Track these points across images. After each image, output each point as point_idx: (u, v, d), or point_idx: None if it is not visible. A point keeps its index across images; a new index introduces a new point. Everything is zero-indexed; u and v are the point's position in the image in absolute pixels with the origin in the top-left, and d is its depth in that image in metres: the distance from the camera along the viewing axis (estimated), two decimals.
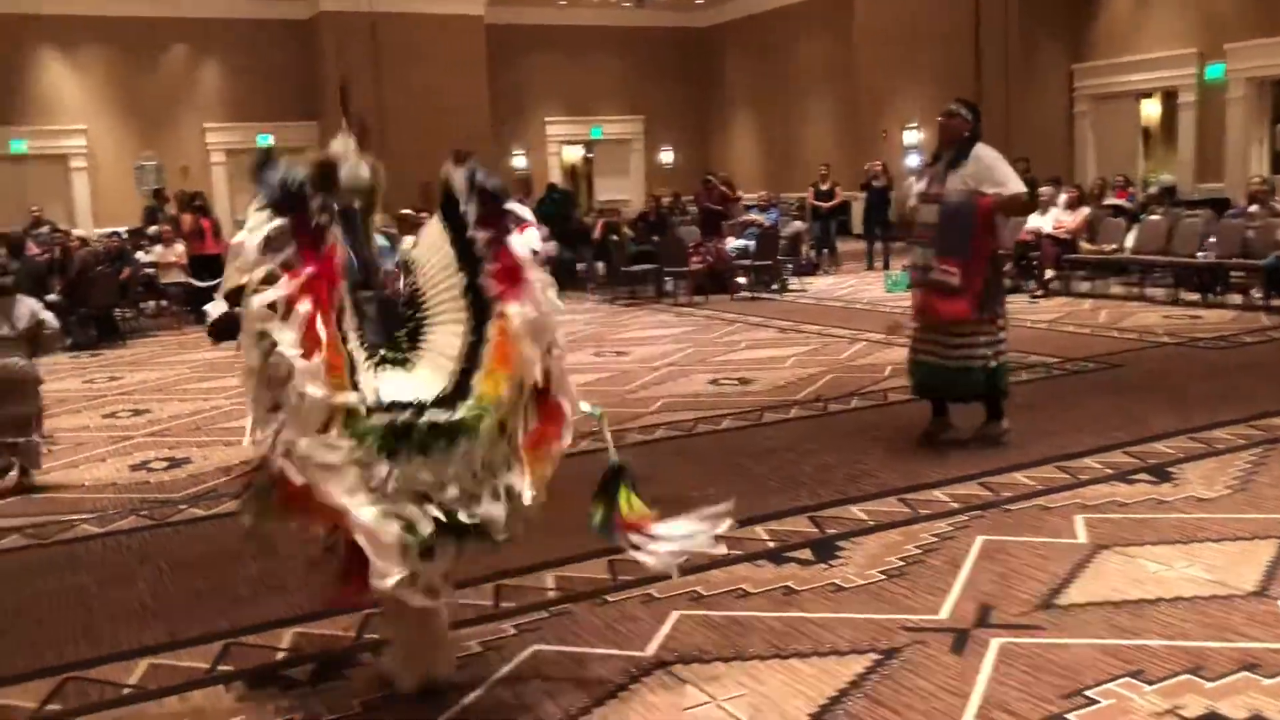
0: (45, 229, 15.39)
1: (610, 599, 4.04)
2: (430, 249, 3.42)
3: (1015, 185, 5.81)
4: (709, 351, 9.64)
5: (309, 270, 2.99)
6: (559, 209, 15.63)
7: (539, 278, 3.23)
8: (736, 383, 8.17)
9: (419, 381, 3.12)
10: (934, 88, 17.43)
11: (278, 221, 3.04)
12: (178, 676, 3.57)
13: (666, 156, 25.79)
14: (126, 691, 3.48)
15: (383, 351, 3.18)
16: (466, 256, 3.28)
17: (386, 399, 3.00)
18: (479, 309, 3.19)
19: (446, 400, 3.05)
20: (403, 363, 3.20)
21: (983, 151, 5.78)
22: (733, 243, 14.29)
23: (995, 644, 3.50)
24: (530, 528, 3.25)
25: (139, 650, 3.79)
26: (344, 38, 21.18)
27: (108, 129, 21.08)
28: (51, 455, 6.59)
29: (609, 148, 26.47)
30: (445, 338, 3.23)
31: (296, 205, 3.08)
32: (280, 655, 3.71)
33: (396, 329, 3.30)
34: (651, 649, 3.60)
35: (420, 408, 3.01)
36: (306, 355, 2.89)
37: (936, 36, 18.47)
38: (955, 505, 4.95)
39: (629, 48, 25.42)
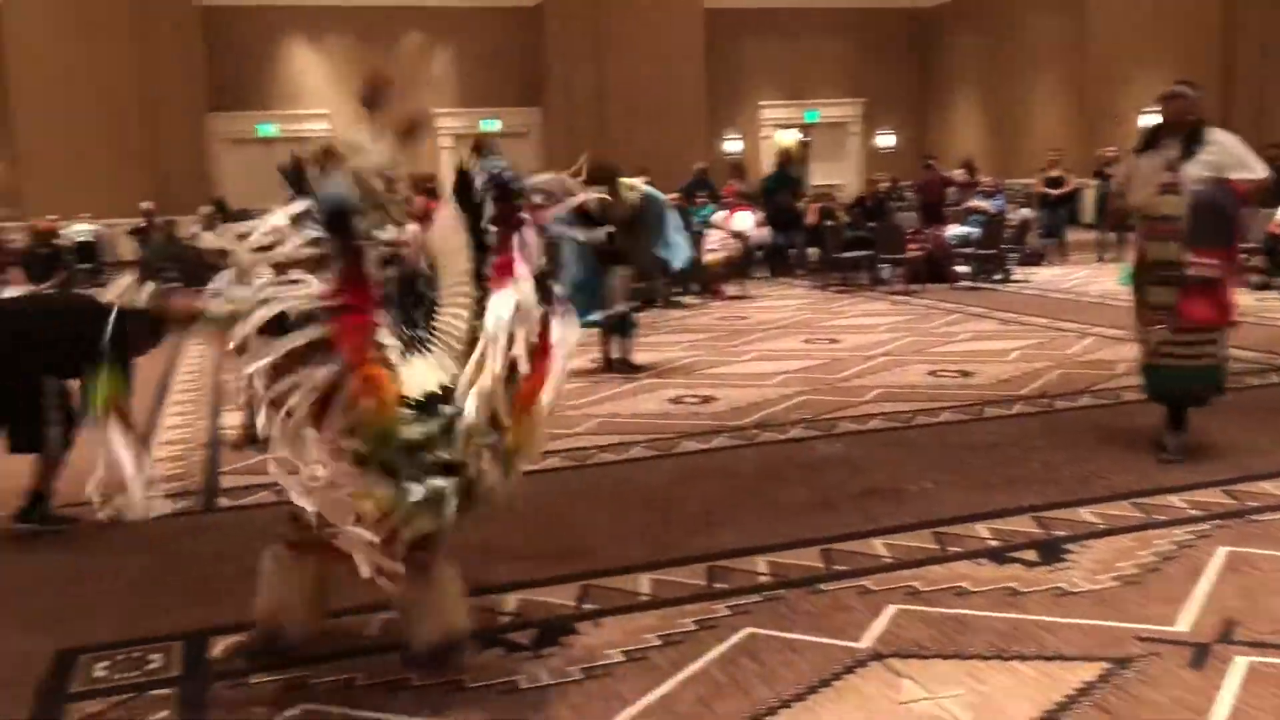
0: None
1: (824, 588, 4.01)
2: (447, 232, 3.49)
3: (1261, 169, 5.42)
4: (926, 341, 9.40)
5: (351, 303, 3.12)
6: (777, 189, 15.57)
7: (525, 273, 3.31)
8: (957, 375, 7.93)
9: (437, 368, 3.26)
10: (1175, 68, 16.34)
11: (317, 235, 3.19)
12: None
13: (885, 140, 25.23)
14: (364, 643, 3.70)
15: (408, 333, 3.33)
16: (479, 244, 3.39)
17: (416, 393, 3.16)
18: (483, 296, 3.33)
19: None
20: (423, 345, 3.32)
21: (1221, 136, 5.40)
22: (953, 230, 13.86)
23: (1241, 662, 3.28)
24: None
25: (374, 605, 4.02)
26: (567, 23, 21.73)
27: (348, 114, 22.30)
28: None
29: (825, 131, 26.10)
30: (453, 321, 3.35)
31: (346, 227, 3.20)
32: (504, 619, 3.86)
33: (415, 307, 3.42)
34: (867, 641, 3.56)
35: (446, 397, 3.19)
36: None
37: (1179, 13, 17.30)
38: (1195, 513, 4.66)
39: (849, 30, 24.99)
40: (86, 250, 16.71)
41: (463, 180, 3.47)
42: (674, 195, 14.15)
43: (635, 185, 8.43)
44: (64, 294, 6.42)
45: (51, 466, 4.99)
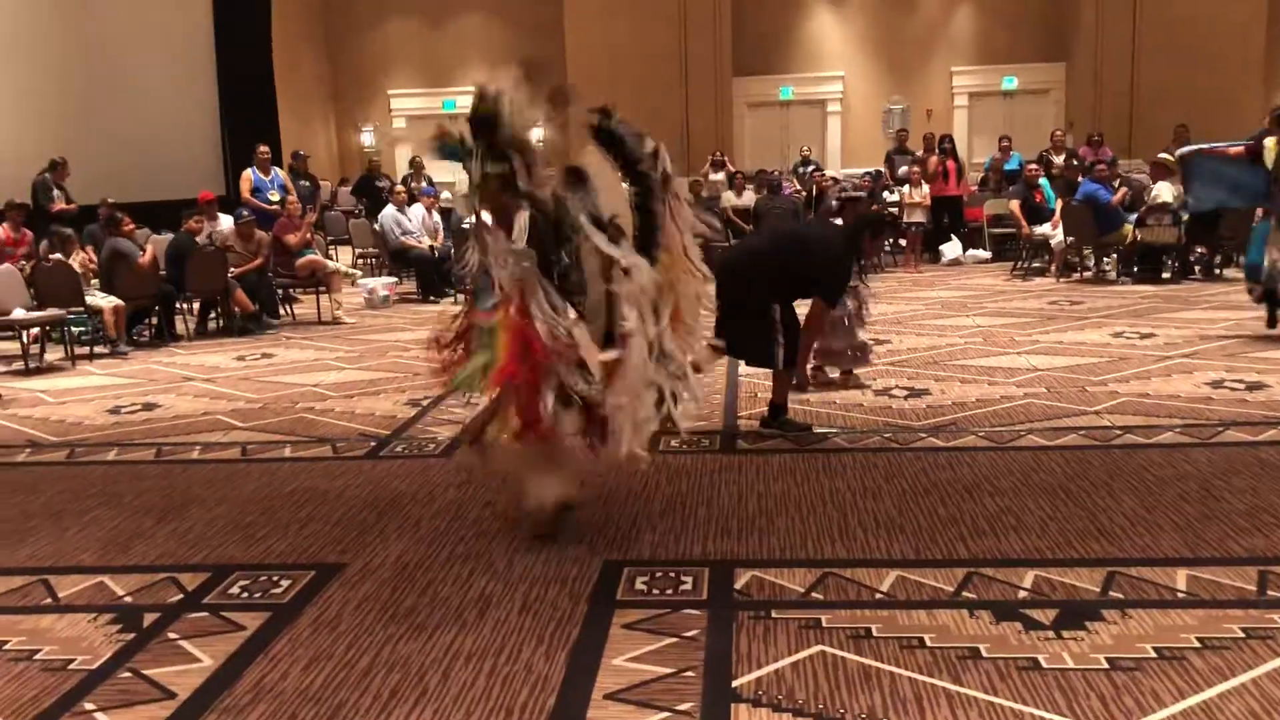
0: (810, 168, 17.01)
1: None
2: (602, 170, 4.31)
3: None
4: None
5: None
6: None
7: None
8: (1241, 386, 6.64)
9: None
10: None
11: None
12: (923, 593, 3.78)
13: None
14: (878, 596, 3.77)
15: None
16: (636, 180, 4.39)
17: None
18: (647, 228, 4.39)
19: None
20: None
21: None
22: None
23: None
24: None
25: (888, 560, 4.08)
26: None
27: (862, 74, 22.48)
28: None
29: None
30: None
31: None
32: (1022, 594, 3.74)
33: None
34: None
35: None
36: None
37: None
38: None
39: None
40: None
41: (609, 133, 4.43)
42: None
43: None
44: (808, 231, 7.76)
45: (781, 380, 6.06)
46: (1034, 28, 21.56)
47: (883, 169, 16.24)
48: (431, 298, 12.50)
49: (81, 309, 9.36)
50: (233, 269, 10.59)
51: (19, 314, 8.93)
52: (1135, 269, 11.82)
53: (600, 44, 20.93)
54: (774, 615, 3.61)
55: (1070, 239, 12.19)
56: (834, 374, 7.24)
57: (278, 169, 13.55)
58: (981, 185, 15.46)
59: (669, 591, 3.87)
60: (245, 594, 4.00)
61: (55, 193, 12.04)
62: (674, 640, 3.44)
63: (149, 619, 3.78)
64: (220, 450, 6.12)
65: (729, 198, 14.25)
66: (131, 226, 10.34)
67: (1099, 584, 3.78)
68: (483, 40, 23.10)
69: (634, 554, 4.24)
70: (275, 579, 4.11)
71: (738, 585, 3.89)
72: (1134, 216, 11.89)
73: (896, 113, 21.78)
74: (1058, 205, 12.70)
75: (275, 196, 12.86)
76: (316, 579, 4.09)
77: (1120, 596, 3.68)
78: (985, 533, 4.33)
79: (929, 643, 3.38)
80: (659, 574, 4.02)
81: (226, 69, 15.08)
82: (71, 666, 3.45)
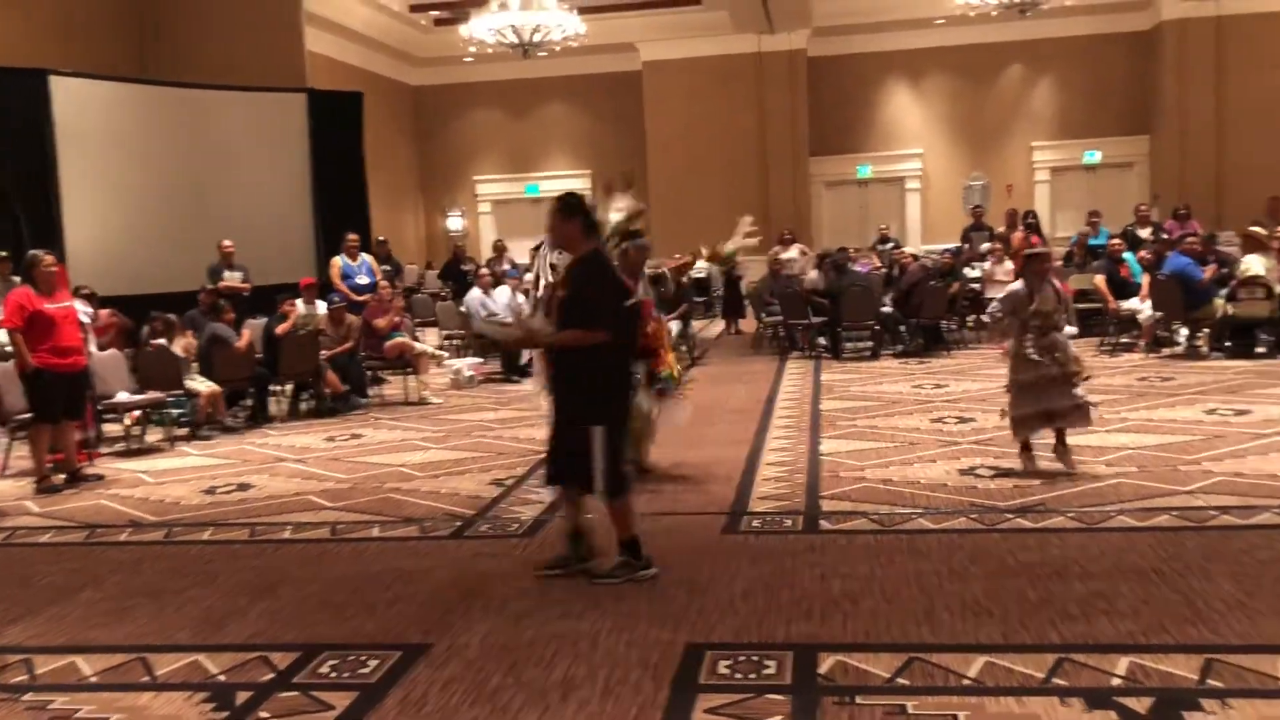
0: (890, 245, 17.04)
1: None
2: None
3: None
4: None
5: None
6: None
7: None
8: None
9: None
10: None
11: None
12: (1012, 679, 3.70)
13: None
14: (966, 682, 3.70)
15: None
16: None
17: None
18: None
19: None
20: None
21: None
22: None
23: None
24: None
25: (976, 645, 4.01)
26: (1184, 43, 20.04)
27: (941, 151, 22.51)
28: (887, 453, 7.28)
29: None
30: None
31: None
32: (1115, 681, 3.64)
33: None
34: None
35: None
36: None
37: None
38: None
39: None
40: (701, 284, 18.53)
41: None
42: None
43: None
44: None
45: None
46: (1115, 101, 21.44)
47: (963, 245, 16.18)
48: (515, 377, 12.68)
49: (181, 392, 9.71)
50: (324, 352, 10.90)
51: (122, 397, 9.30)
52: (1228, 344, 11.54)
53: (679, 130, 21.40)
54: (859, 701, 3.57)
55: (1159, 314, 11.97)
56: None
57: (366, 255, 13.98)
58: (1066, 260, 15.28)
59: (752, 676, 3.85)
60: (334, 673, 4.07)
61: (228, 273, 12.72)
62: None
63: (241, 697, 3.87)
64: (311, 530, 6.27)
65: (813, 278, 14.28)
66: (232, 316, 10.74)
67: (1196, 672, 3.68)
68: (564, 128, 23.72)
69: (717, 637, 4.24)
70: (363, 659, 4.18)
71: (822, 670, 3.86)
72: (1225, 290, 11.64)
73: (976, 189, 21.71)
74: (1144, 279, 12.49)
75: (364, 281, 13.26)
76: (403, 659, 4.16)
77: (1220, 685, 3.57)
78: (1076, 617, 4.24)
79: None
80: (742, 658, 4.00)
81: (320, 159, 15.67)
82: None
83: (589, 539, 5.16)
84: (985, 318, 7.16)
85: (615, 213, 6.62)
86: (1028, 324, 6.61)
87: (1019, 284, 6.76)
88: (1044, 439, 6.75)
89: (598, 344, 4.84)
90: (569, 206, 5.03)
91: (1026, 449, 6.78)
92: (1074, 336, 6.82)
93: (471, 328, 13.44)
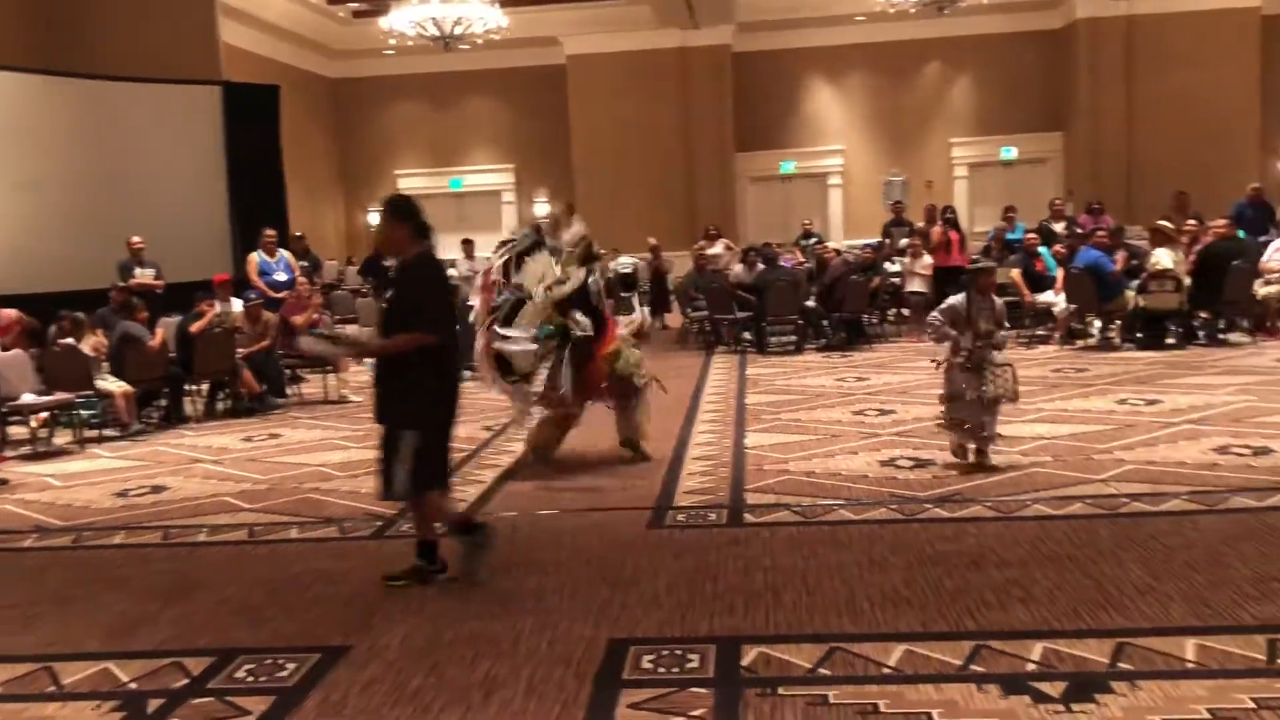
0: (813, 240, 17.19)
1: None
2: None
3: None
4: None
5: None
6: None
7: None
8: (1248, 451, 6.63)
9: None
10: None
11: None
12: (931, 667, 3.75)
13: None
14: (886, 671, 3.74)
15: None
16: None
17: None
18: None
19: None
20: None
21: None
22: None
23: None
24: None
25: (895, 634, 4.06)
26: (1097, 41, 20.54)
27: (863, 147, 22.80)
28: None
29: None
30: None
31: None
32: (1030, 666, 3.71)
33: None
34: None
35: None
36: None
37: None
38: None
39: None
40: (628, 280, 18.47)
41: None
42: (1221, 221, 12.83)
43: None
44: None
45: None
46: (1031, 98, 21.90)
47: (884, 240, 16.40)
48: None
49: (91, 393, 9.42)
50: (240, 350, 10.67)
51: (28, 398, 9.00)
52: (1139, 335, 11.86)
53: (604, 124, 21.35)
54: (781, 692, 3.59)
55: (1073, 306, 12.26)
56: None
57: (284, 251, 13.72)
58: (984, 254, 15.55)
59: (675, 670, 3.85)
60: (251, 678, 3.98)
61: (139, 270, 12.27)
62: None
63: (153, 704, 3.77)
64: (227, 532, 6.13)
65: (738, 272, 14.35)
66: (145, 314, 10.45)
67: (1108, 655, 3.76)
68: (487, 122, 23.55)
69: (640, 632, 4.23)
70: (281, 662, 4.10)
71: (745, 662, 3.87)
72: (1135, 283, 11.96)
73: (896, 185, 22.03)
74: (1059, 273, 12.79)
75: (282, 277, 13.01)
76: (323, 661, 4.08)
77: (1129, 667, 3.66)
78: (992, 605, 4.31)
79: (937, 718, 3.35)
80: (665, 652, 4.00)
81: (236, 153, 15.35)
82: None
83: (436, 544, 5.06)
84: (928, 325, 6.93)
85: (567, 245, 7.20)
86: (960, 342, 6.53)
87: (960, 297, 6.66)
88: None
89: (422, 347, 4.75)
90: (398, 209, 4.96)
91: (960, 455, 6.70)
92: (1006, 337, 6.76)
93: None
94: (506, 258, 7.14)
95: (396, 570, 5.01)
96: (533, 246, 7.14)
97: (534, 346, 6.84)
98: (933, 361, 6.87)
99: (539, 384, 6.86)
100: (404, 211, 4.95)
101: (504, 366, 7.05)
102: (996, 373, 6.47)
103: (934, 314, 6.86)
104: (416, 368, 4.80)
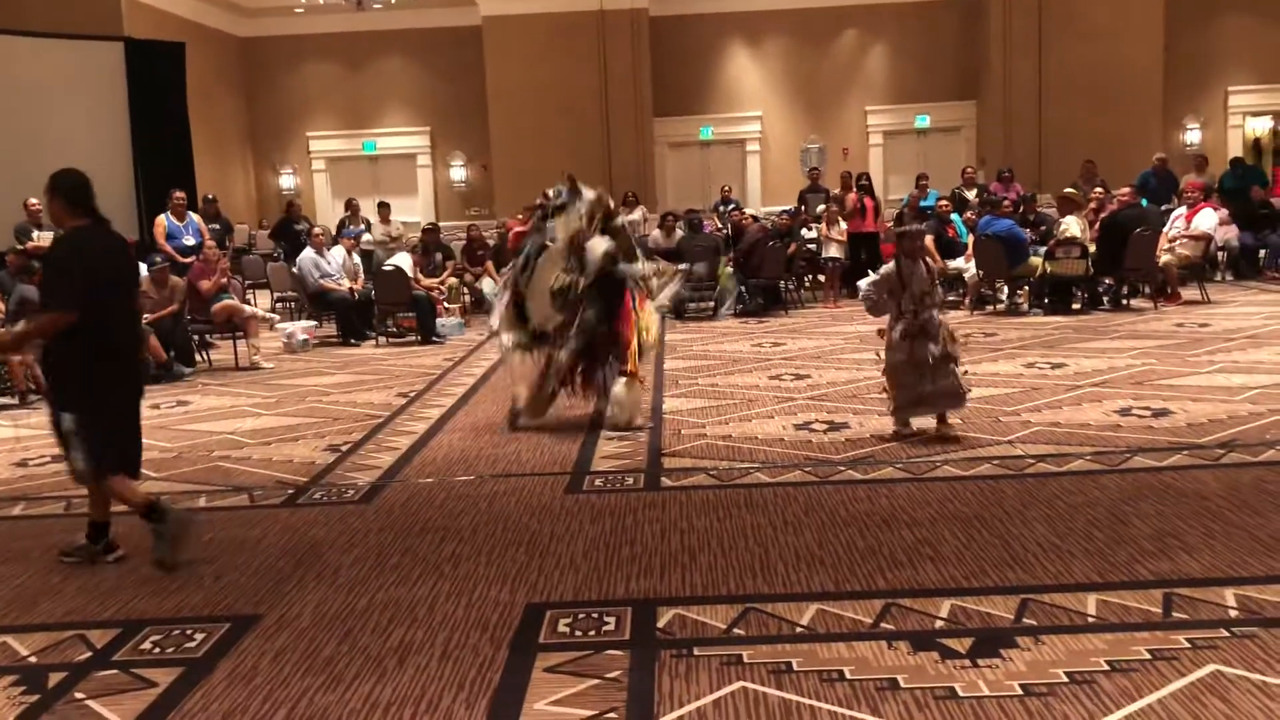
0: (730, 207, 17.23)
1: None
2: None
3: None
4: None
5: None
6: (1241, 185, 14.10)
7: None
8: (1148, 413, 6.89)
9: None
10: None
11: None
12: (843, 625, 3.82)
13: None
14: (799, 630, 3.80)
15: None
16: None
17: None
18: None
19: None
20: None
21: None
22: None
23: None
24: None
25: (808, 594, 4.12)
26: (1009, 14, 20.84)
27: (780, 114, 22.88)
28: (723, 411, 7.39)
29: None
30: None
31: None
32: (938, 624, 3.80)
33: None
34: None
35: None
36: None
37: None
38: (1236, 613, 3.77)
39: None
40: None
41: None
42: (1125, 190, 13.17)
43: None
44: None
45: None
46: (945, 67, 22.18)
47: (800, 207, 16.52)
48: (352, 340, 12.36)
49: None
50: (146, 316, 10.37)
51: None
52: (1046, 301, 12.14)
53: (521, 86, 21.04)
54: (696, 653, 3.62)
55: (982, 272, 12.50)
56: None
57: (193, 214, 13.35)
58: (897, 221, 15.78)
59: (592, 633, 3.85)
60: (157, 649, 3.89)
61: (37, 233, 11.80)
62: (596, 682, 3.43)
63: (55, 678, 3.66)
64: None
65: (656, 237, 14.33)
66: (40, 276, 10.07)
67: (1013, 611, 3.86)
68: (403, 83, 23.11)
69: (557, 596, 4.23)
70: (189, 633, 4.01)
71: (660, 624, 3.89)
72: (1043, 249, 12.24)
73: (813, 152, 22.19)
74: (970, 240, 13.02)
75: (190, 242, 12.66)
76: (231, 631, 4.01)
77: (1033, 623, 3.76)
78: (903, 564, 4.40)
79: (848, 675, 3.41)
80: (581, 615, 4.01)
81: (139, 113, 14.85)
82: None
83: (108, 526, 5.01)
84: (862, 299, 6.72)
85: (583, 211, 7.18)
86: (901, 305, 6.41)
87: (889, 265, 6.57)
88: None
89: (70, 328, 4.65)
90: (53, 185, 4.90)
91: (902, 436, 6.51)
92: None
93: (305, 288, 13.00)
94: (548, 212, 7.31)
95: (70, 546, 4.97)
96: (565, 205, 7.21)
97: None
98: (878, 333, 6.70)
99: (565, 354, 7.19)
100: (53, 184, 4.89)
101: (521, 316, 7.28)
102: (933, 335, 6.38)
103: (866, 286, 6.68)
104: (67, 349, 4.71)
